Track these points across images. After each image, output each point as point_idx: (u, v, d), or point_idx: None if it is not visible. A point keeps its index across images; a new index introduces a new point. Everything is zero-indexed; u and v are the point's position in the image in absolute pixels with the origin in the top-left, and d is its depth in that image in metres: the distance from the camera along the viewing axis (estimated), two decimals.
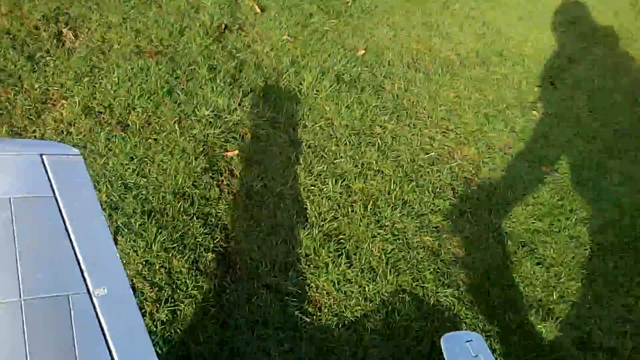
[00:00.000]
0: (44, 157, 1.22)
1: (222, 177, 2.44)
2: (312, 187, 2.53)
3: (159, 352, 1.86)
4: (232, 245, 2.21)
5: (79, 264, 1.34)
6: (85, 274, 1.31)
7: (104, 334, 1.25)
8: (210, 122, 2.62)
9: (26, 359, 1.16)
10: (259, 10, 3.51)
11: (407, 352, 2.08)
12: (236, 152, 2.53)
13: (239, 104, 2.78)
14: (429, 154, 2.97)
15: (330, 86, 3.11)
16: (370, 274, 2.29)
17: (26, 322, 1.28)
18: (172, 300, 1.98)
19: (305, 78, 3.09)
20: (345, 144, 2.82)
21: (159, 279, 2.02)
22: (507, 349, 2.22)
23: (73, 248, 1.33)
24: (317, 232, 2.35)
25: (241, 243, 2.22)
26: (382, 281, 2.27)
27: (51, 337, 1.27)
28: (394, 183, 2.69)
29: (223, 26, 3.25)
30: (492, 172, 3.04)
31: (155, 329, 1.88)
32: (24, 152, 1.23)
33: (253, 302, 2.06)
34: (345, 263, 2.28)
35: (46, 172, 1.23)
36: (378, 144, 2.90)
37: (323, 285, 2.18)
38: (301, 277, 2.18)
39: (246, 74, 2.99)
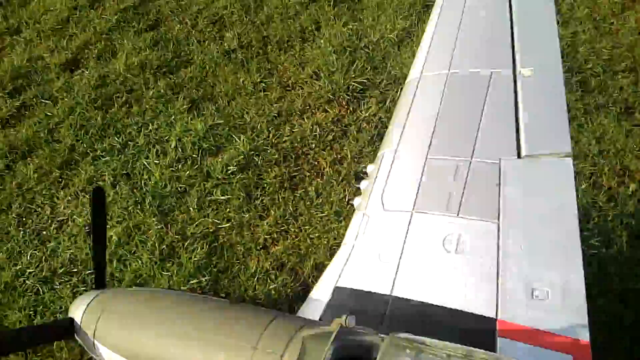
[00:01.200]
0: None
1: None
2: None
3: None
4: None
5: (512, 43, 1.46)
6: (517, 53, 1.43)
7: (516, 114, 1.33)
8: None
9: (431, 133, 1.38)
10: None
11: None
12: None
13: None
14: None
15: None
16: None
17: (444, 92, 1.46)
18: None
19: None
20: None
21: None
22: None
23: (512, 27, 1.50)
24: None
25: None
26: None
27: (461, 109, 1.42)
28: None
29: None
30: None
31: None
32: None
33: None
34: None
35: None
36: None
37: None
38: None
39: None
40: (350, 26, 3.00)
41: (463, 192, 1.26)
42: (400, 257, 1.20)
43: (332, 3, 3.13)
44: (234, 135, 2.59)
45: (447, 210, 1.24)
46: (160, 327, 1.14)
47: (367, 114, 2.64)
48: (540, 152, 1.27)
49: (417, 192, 1.31)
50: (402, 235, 1.24)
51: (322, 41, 2.96)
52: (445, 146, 1.37)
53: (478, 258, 1.15)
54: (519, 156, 1.27)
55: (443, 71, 1.56)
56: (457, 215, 1.22)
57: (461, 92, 1.49)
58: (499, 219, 1.19)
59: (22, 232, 2.33)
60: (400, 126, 1.48)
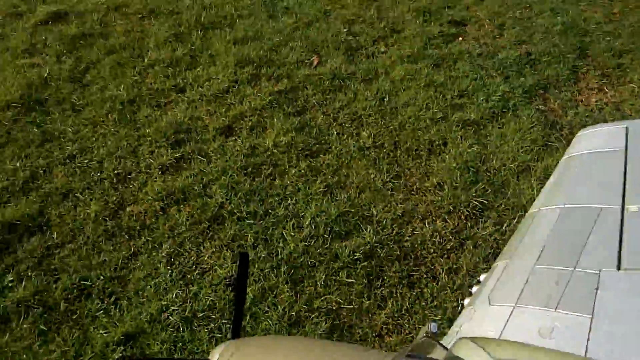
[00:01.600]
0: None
1: None
2: None
3: None
4: None
5: (624, 184, 1.72)
6: (627, 191, 1.69)
7: (620, 245, 1.52)
8: None
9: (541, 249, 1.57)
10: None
11: None
12: None
13: None
14: None
15: None
16: None
17: (557, 220, 1.70)
18: None
19: None
20: None
21: None
22: None
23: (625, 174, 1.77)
24: None
25: None
26: None
27: (569, 232, 1.64)
28: None
29: None
30: None
31: None
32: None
33: None
34: None
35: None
36: None
37: None
38: None
39: None
40: (475, 148, 3.32)
41: (562, 293, 1.48)
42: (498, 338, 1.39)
43: (460, 124, 3.49)
44: (361, 225, 2.88)
45: (546, 306, 1.43)
46: None
47: (484, 233, 2.88)
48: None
49: (521, 292, 1.53)
50: (502, 324, 1.45)
51: (447, 156, 3.28)
52: (551, 259, 1.59)
53: (569, 343, 1.32)
54: (618, 269, 1.47)
55: (558, 206, 1.79)
56: (555, 309, 1.42)
57: (571, 220, 1.71)
58: (592, 314, 1.37)
59: (169, 271, 2.62)
60: (514, 246, 1.73)
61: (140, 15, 4.34)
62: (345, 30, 4.24)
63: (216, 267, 2.65)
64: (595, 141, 1.98)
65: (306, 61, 3.92)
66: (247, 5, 4.50)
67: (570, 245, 1.61)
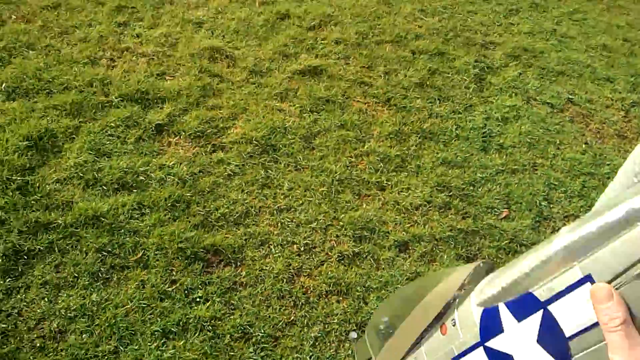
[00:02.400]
0: None
1: None
2: None
3: None
4: None
5: None
6: None
7: None
8: None
9: None
10: None
11: None
12: None
13: None
14: None
15: None
16: None
17: None
18: None
19: None
20: None
21: None
22: None
23: None
24: None
25: None
26: None
27: None
28: None
29: None
30: None
31: None
32: None
33: None
34: None
35: None
36: None
37: None
38: None
39: None
40: None
41: None
42: None
43: None
44: None
45: None
46: None
47: None
48: None
49: None
50: None
51: None
52: None
53: None
54: None
55: None
56: None
57: None
58: None
59: (311, 353, 3.14)
60: None
61: (376, 100, 4.94)
62: (543, 194, 4.43)
63: None
64: None
65: (495, 210, 4.21)
66: (468, 128, 4.88)
67: None
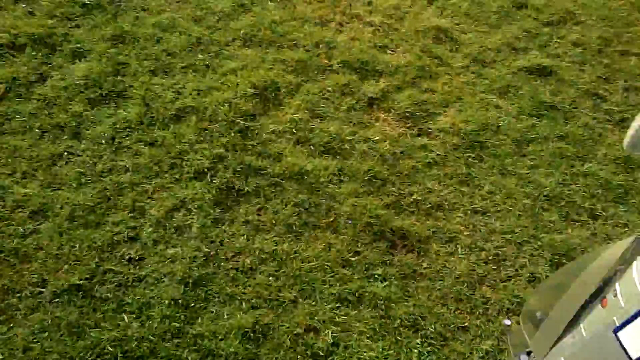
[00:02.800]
0: None
1: None
2: None
3: None
4: None
5: None
6: None
7: None
8: None
9: None
10: None
11: None
12: None
13: None
14: None
15: None
16: None
17: None
18: None
19: None
20: None
21: None
22: None
23: None
24: None
25: None
26: None
27: None
28: None
29: None
30: None
31: None
32: None
33: None
34: None
35: None
36: None
37: None
38: None
39: None
40: None
41: None
42: None
43: None
44: None
45: None
46: None
47: None
48: None
49: None
50: None
51: None
52: None
53: None
54: None
55: None
56: None
57: None
58: None
59: None
60: None
61: (607, 117, 4.38)
62: None
63: None
64: None
65: None
66: None
67: None
